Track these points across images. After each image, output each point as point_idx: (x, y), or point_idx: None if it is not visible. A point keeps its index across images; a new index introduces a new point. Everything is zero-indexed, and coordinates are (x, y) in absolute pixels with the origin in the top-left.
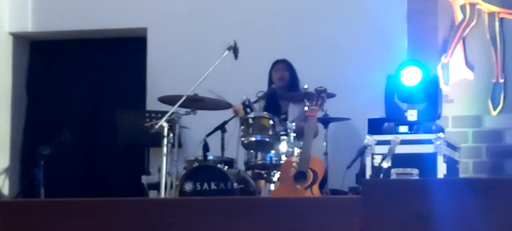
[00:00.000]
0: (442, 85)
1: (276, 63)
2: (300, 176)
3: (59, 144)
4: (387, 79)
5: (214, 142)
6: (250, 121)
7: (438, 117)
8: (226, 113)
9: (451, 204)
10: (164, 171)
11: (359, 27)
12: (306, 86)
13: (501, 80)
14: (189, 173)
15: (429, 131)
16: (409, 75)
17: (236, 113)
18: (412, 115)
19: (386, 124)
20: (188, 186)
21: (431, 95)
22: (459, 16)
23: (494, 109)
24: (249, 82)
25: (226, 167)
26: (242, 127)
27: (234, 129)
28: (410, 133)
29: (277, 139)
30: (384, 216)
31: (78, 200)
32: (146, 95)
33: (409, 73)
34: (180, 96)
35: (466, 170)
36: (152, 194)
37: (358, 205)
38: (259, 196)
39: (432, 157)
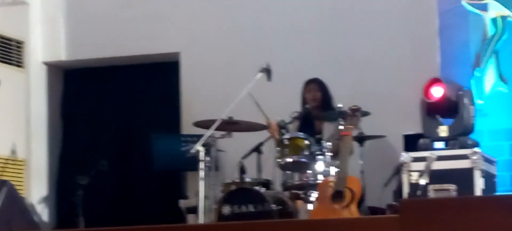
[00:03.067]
0: (476, 100)
1: (308, 83)
2: (338, 195)
3: (96, 173)
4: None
5: (251, 164)
6: (286, 141)
7: (470, 131)
8: (262, 135)
9: (489, 221)
10: (201, 194)
11: (391, 43)
12: (340, 105)
13: None
14: (226, 196)
15: (465, 146)
16: (435, 93)
17: (270, 130)
18: (443, 131)
19: (421, 141)
20: (226, 209)
21: (459, 110)
22: (491, 30)
23: None
24: (282, 103)
25: (264, 188)
26: (278, 148)
27: (270, 150)
28: (446, 149)
29: (313, 159)
30: None
31: (118, 229)
32: (181, 119)
33: (435, 90)
34: (215, 120)
35: (503, 184)
36: (191, 218)
37: (397, 224)
38: (298, 219)
39: (469, 172)
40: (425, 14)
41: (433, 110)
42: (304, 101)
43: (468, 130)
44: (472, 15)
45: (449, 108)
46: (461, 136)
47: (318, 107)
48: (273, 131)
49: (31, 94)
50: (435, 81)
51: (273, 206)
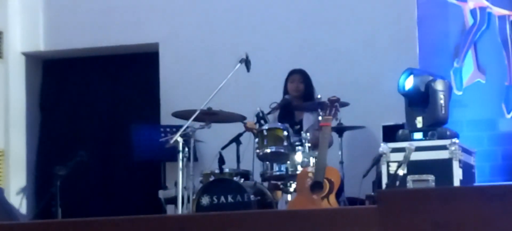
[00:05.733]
0: (455, 90)
1: (292, 73)
2: (316, 186)
3: (75, 164)
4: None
5: (230, 155)
6: (265, 132)
7: (443, 121)
8: (241, 126)
9: (467, 212)
10: (180, 185)
11: (370, 34)
12: (319, 96)
13: None
14: (205, 187)
15: (444, 137)
16: (407, 84)
17: (248, 129)
18: (419, 122)
19: (400, 131)
20: (205, 200)
21: (429, 101)
22: (469, 21)
23: (508, 112)
24: (262, 94)
25: (242, 179)
26: (257, 139)
27: (249, 141)
28: (424, 140)
29: (292, 149)
30: (401, 226)
31: (96, 220)
32: (160, 110)
33: (407, 81)
34: (194, 111)
35: (482, 174)
36: (170, 208)
37: (375, 215)
38: (276, 209)
39: (447, 163)
40: (404, 5)
41: (410, 101)
42: (286, 91)
43: (440, 120)
44: (451, 6)
45: (420, 99)
46: (433, 126)
47: (299, 98)
48: (251, 130)
49: (10, 85)
50: (407, 72)
51: (252, 197)
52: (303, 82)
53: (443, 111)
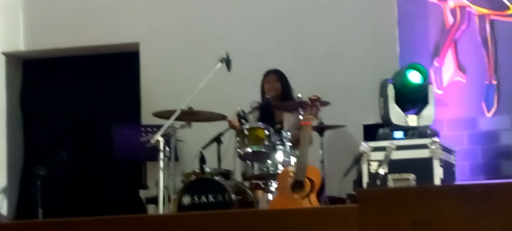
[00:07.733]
0: (435, 89)
1: (267, 74)
2: (297, 185)
3: (55, 164)
4: (382, 85)
5: (211, 154)
6: (246, 132)
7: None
8: (221, 125)
9: (448, 210)
10: (161, 185)
11: (350, 34)
12: (300, 96)
13: (494, 82)
14: (186, 186)
15: (424, 136)
16: (413, 79)
17: (232, 127)
18: (412, 120)
19: (381, 130)
20: (186, 200)
21: (426, 99)
22: (449, 20)
23: (488, 111)
24: (243, 93)
25: (223, 178)
26: (238, 138)
27: (230, 140)
28: (405, 138)
29: (273, 149)
30: (381, 224)
31: (77, 220)
32: (140, 110)
33: (412, 77)
34: (174, 110)
35: (462, 173)
36: (151, 208)
37: (355, 214)
38: (257, 209)
39: (428, 162)
40: (385, 4)
41: (401, 99)
42: (264, 92)
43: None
44: (431, 5)
45: (417, 97)
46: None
47: (277, 98)
48: (235, 127)
49: None
50: (408, 69)
51: (233, 196)
52: (278, 81)
53: (434, 110)
